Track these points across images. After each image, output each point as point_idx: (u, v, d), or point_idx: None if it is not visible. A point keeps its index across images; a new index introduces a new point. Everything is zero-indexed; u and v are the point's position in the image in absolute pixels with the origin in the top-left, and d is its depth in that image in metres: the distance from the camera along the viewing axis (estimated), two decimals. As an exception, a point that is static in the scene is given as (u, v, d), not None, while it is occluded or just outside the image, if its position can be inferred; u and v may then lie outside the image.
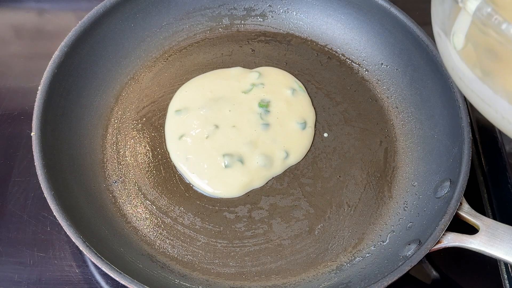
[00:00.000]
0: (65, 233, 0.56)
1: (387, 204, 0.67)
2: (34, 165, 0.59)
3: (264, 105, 0.72)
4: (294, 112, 0.73)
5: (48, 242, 0.64)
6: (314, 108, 0.74)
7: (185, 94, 0.74)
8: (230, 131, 0.70)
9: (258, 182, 0.68)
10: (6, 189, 0.67)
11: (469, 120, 0.64)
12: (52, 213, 0.56)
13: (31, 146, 0.60)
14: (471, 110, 0.75)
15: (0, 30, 0.83)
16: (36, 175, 0.58)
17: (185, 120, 0.71)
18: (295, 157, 0.70)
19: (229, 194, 0.67)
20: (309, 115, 0.73)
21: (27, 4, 0.86)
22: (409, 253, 0.59)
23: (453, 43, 0.49)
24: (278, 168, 0.69)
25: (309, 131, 0.72)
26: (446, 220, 0.57)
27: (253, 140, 0.70)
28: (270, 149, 0.69)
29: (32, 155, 0.59)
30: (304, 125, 0.72)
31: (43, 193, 0.57)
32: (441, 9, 0.50)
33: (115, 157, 0.68)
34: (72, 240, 0.55)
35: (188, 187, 0.67)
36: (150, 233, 0.64)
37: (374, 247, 0.64)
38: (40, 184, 0.58)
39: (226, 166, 0.67)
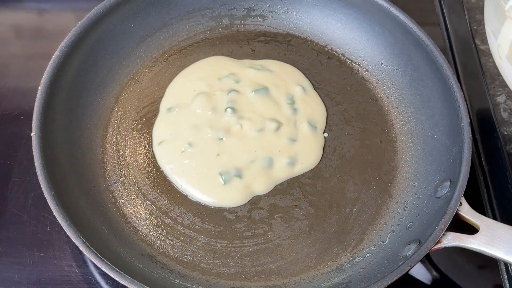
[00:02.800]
0: (65, 233, 0.56)
1: (387, 204, 0.67)
2: (34, 165, 0.59)
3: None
4: (305, 114, 0.71)
5: (48, 242, 0.64)
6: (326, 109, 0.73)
7: (171, 90, 0.73)
8: (229, 134, 0.69)
9: (262, 189, 0.67)
10: (6, 189, 0.67)
11: (469, 120, 0.63)
12: (52, 213, 0.56)
13: (31, 146, 0.60)
14: (471, 110, 0.75)
15: (0, 30, 0.83)
16: (36, 175, 0.58)
17: (173, 121, 0.70)
18: (305, 165, 0.68)
19: (229, 205, 0.66)
20: (321, 117, 0.72)
21: (27, 4, 0.86)
22: (409, 253, 0.59)
23: (498, 53, 0.49)
24: (282, 175, 0.68)
25: (319, 134, 0.70)
26: (446, 220, 0.57)
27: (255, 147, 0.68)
28: (275, 154, 0.68)
29: (32, 155, 0.59)
30: (314, 128, 0.71)
31: (43, 193, 0.57)
32: (493, 12, 0.50)
33: (115, 157, 0.68)
34: (72, 240, 0.55)
35: (188, 187, 0.67)
36: (150, 233, 0.64)
37: (374, 247, 0.64)
38: (40, 184, 0.58)
39: (224, 182, 0.66)
